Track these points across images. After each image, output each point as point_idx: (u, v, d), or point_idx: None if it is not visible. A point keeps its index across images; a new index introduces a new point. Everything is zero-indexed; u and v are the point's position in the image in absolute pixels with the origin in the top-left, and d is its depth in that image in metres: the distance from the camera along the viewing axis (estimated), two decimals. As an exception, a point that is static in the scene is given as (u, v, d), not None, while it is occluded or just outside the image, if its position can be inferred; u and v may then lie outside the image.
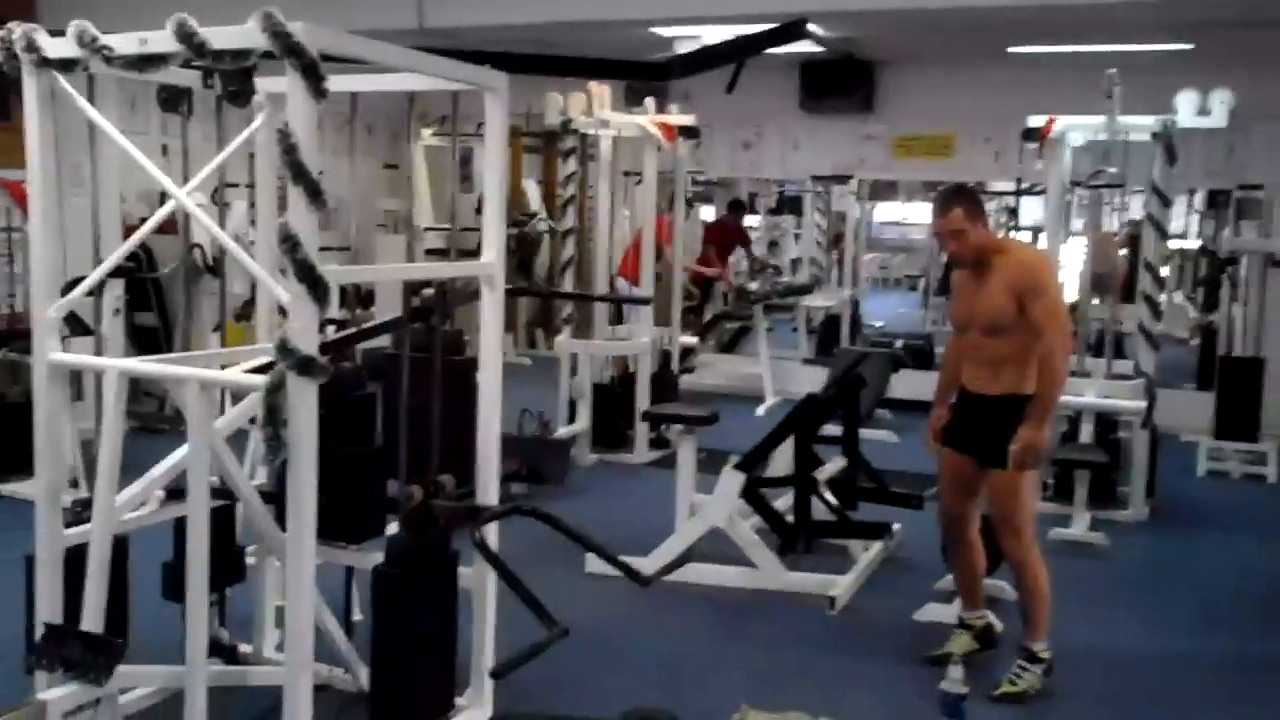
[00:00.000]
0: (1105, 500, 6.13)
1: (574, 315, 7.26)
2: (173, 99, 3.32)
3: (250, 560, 3.59)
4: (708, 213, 12.73)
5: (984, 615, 4.17)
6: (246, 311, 6.07)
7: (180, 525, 3.32)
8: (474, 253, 3.29)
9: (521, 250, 10.67)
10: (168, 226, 7.52)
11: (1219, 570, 5.43)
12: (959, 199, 3.86)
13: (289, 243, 2.42)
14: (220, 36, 2.43)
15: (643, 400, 7.08)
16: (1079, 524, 5.78)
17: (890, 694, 3.84)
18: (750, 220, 14.63)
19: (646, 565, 4.28)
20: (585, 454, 7.03)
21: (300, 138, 2.38)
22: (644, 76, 4.15)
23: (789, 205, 14.61)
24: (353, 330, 3.28)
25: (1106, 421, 6.33)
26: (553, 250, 7.98)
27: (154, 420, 6.70)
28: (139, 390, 6.95)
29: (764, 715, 3.11)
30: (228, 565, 3.33)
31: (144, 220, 3.33)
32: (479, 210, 11.57)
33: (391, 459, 3.29)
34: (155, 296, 7.71)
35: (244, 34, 2.38)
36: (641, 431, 7.12)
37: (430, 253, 9.80)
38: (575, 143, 7.11)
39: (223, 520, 3.16)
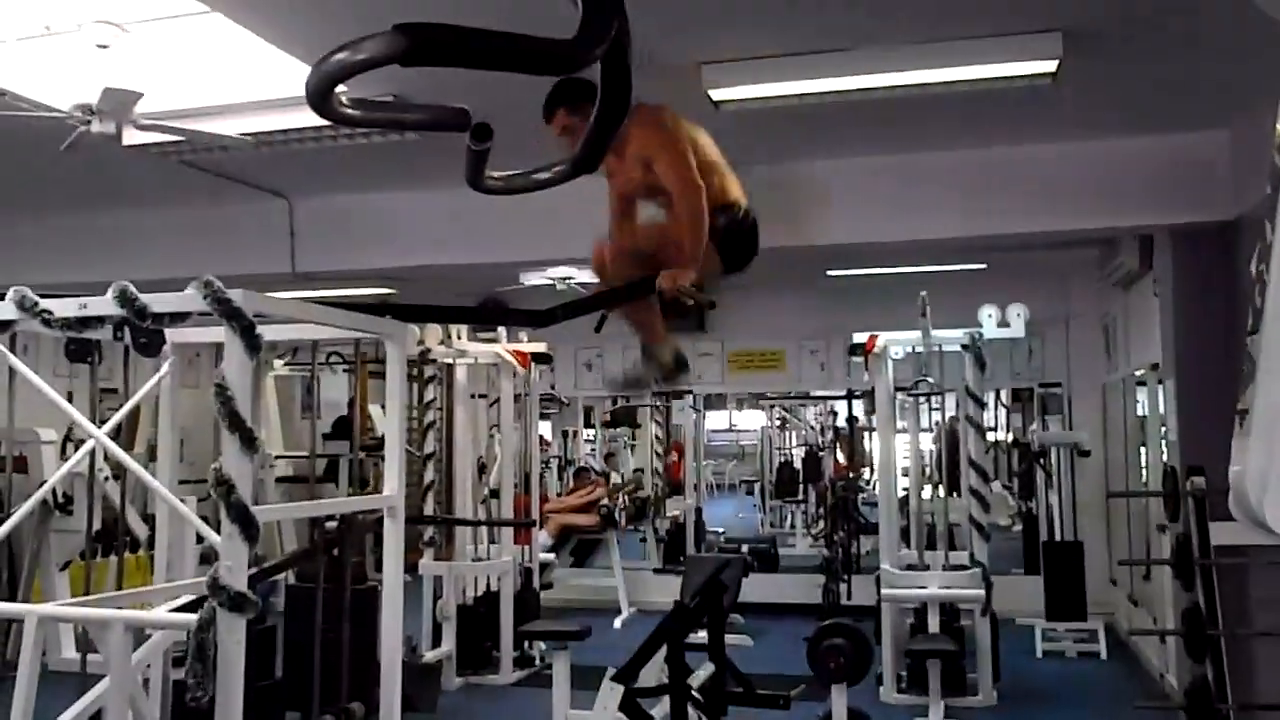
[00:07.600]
0: (955, 688, 6.46)
1: (436, 538, 7.35)
2: (81, 349, 3.47)
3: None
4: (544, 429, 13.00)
5: None
6: (94, 549, 5.99)
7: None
8: (324, 479, 3.46)
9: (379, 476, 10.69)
10: (18, 465, 7.35)
11: (1067, 748, 5.80)
12: (556, 99, 3.51)
13: (224, 486, 2.60)
14: (161, 301, 2.66)
15: (507, 619, 7.18)
16: (935, 714, 6.10)
17: None
18: (587, 434, 15.08)
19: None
20: (452, 678, 7.02)
21: (236, 390, 2.60)
22: (532, 324, 4.48)
23: (623, 418, 15.07)
24: (269, 564, 3.40)
25: (949, 610, 6.75)
26: (412, 475, 8.10)
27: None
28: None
29: None
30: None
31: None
32: (327, 437, 11.46)
33: (291, 689, 3.37)
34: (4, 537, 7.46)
35: (185, 299, 2.62)
36: (507, 651, 7.18)
37: (280, 480, 9.78)
38: (435, 371, 7.39)
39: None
